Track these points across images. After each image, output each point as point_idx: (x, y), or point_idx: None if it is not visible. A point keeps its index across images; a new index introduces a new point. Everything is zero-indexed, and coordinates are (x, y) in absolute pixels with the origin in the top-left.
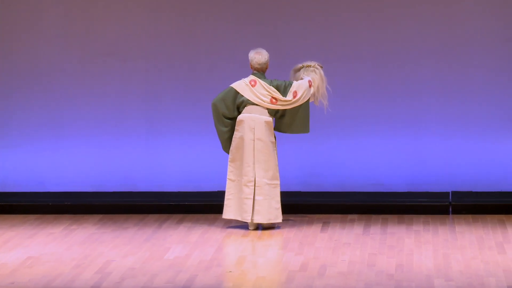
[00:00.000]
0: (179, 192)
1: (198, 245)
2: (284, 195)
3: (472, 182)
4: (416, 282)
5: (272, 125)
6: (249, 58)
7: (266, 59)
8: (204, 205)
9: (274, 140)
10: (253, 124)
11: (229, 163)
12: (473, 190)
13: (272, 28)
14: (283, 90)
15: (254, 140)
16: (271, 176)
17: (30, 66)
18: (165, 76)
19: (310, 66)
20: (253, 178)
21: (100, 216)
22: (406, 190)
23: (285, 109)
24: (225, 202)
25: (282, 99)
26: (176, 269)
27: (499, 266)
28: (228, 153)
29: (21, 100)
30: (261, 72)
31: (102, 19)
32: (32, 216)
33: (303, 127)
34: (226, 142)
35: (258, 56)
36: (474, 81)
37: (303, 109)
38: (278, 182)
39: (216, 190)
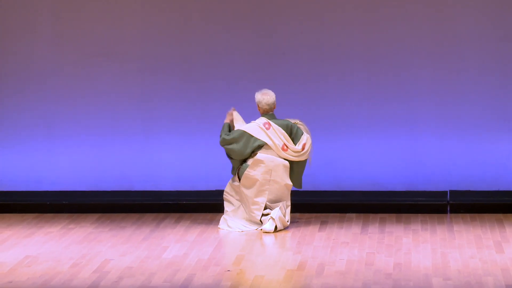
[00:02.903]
0: (176, 191)
1: (196, 244)
2: None
3: (470, 181)
4: (414, 281)
5: (288, 168)
6: (256, 100)
7: (274, 99)
8: (201, 204)
9: (290, 183)
10: (271, 166)
11: (228, 195)
12: (471, 189)
13: (267, 28)
14: (295, 135)
15: (269, 181)
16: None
17: (26, 67)
18: (160, 76)
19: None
20: (259, 218)
21: (98, 215)
22: (404, 189)
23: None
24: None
25: (292, 148)
26: (174, 268)
27: (497, 265)
28: (234, 174)
29: (18, 100)
30: (270, 113)
31: (96, 20)
32: (30, 215)
33: (296, 183)
34: (237, 166)
35: (266, 97)
36: (469, 80)
37: (301, 166)
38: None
39: (214, 189)
